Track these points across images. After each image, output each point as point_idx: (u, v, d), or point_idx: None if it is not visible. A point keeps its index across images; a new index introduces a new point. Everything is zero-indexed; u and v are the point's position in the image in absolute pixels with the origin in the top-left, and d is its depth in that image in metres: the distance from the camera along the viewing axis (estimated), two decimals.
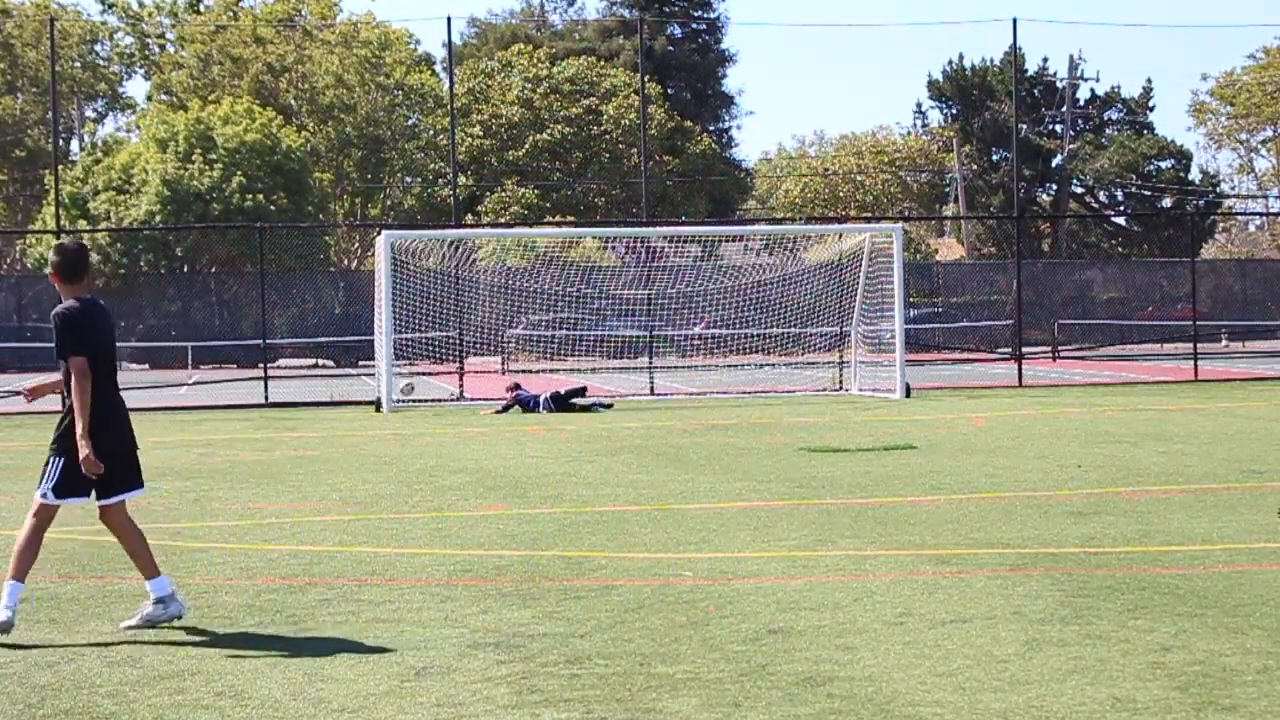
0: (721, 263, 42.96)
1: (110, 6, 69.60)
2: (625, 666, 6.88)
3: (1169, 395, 27.23)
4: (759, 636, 7.44)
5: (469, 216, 59.12)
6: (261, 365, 32.35)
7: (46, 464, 7.93)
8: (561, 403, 25.56)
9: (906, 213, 68.35)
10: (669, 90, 67.84)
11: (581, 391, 26.26)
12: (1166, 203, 71.74)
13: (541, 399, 25.70)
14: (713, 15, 76.18)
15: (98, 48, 71.50)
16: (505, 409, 25.62)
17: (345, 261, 63.72)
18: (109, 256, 51.83)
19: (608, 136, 62.75)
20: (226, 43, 63.48)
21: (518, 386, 26.26)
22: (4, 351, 49.17)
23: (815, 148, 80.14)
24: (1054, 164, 71.88)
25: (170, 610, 7.92)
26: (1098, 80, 79.58)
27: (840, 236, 33.11)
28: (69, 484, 7.87)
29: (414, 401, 28.34)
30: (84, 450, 7.68)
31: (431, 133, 64.18)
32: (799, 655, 7.03)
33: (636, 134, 55.41)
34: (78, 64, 69.04)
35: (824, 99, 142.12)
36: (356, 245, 64.11)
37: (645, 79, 37.37)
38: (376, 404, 27.17)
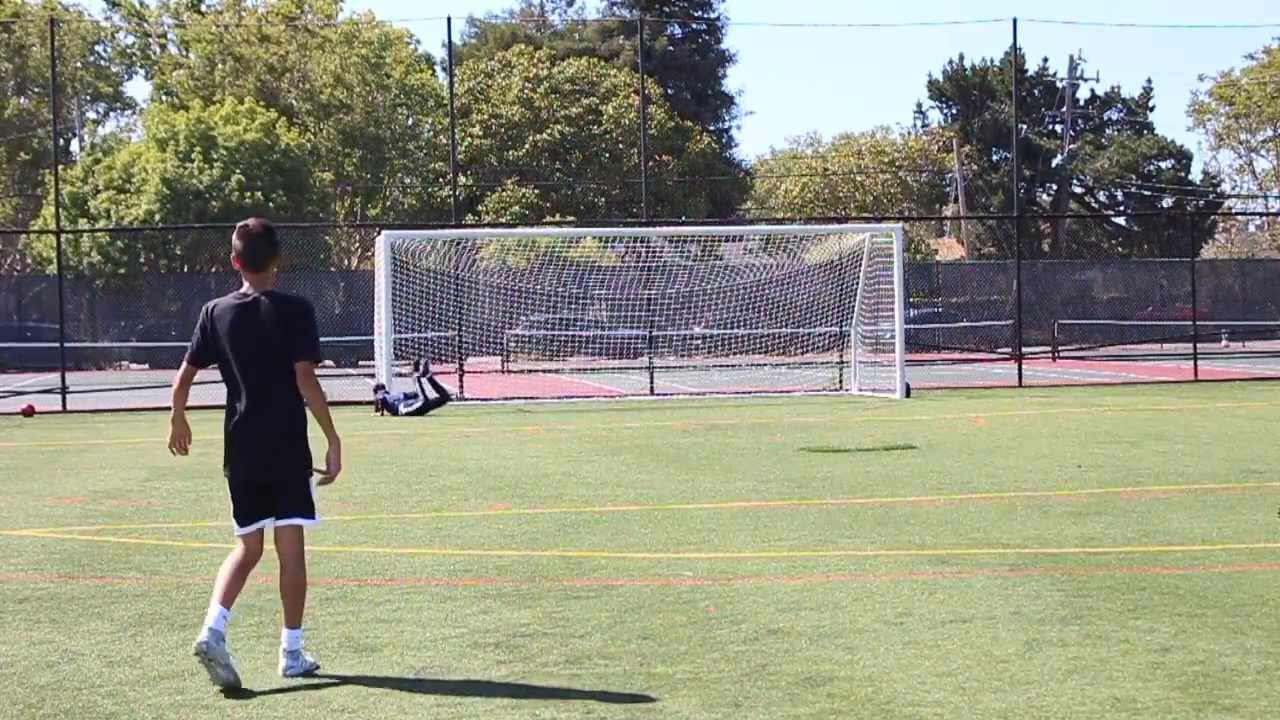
0: (721, 263, 42.95)
1: (115, 5, 69.58)
2: (625, 666, 6.88)
3: (1169, 395, 27.23)
4: (759, 636, 7.43)
5: (469, 216, 59.06)
6: None
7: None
8: None
9: (906, 213, 68.31)
10: (669, 90, 67.79)
11: None
12: (1166, 203, 71.74)
13: None
14: (713, 15, 76.18)
15: (99, 48, 71.46)
16: None
17: (345, 261, 63.68)
18: (109, 256, 51.85)
19: (608, 136, 62.69)
20: (230, 42, 63.46)
21: None
22: (4, 351, 49.15)
23: (811, 148, 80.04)
24: (1054, 164, 71.89)
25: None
26: (1098, 80, 79.68)
27: (840, 236, 33.11)
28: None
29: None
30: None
31: (431, 132, 64.16)
32: (799, 655, 7.03)
33: (636, 134, 55.36)
34: (79, 64, 69.00)
35: (823, 99, 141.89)
36: (356, 245, 64.09)
37: (645, 79, 37.38)
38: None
